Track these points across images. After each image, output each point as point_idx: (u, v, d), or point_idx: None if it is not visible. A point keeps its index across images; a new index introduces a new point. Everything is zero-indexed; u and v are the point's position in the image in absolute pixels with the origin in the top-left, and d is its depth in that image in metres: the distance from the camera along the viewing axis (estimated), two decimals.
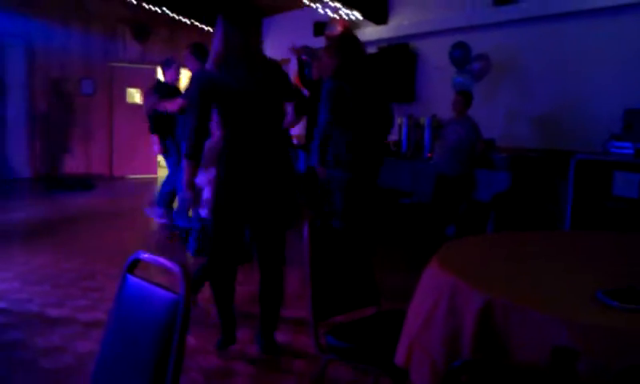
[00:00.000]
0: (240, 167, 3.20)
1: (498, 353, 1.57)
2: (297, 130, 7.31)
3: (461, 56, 7.20)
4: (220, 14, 3.19)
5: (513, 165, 6.16)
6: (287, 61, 11.17)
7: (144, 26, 12.29)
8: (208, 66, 3.23)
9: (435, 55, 8.25)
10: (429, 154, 7.36)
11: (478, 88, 7.16)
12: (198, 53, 6.35)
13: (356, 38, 4.63)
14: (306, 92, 6.92)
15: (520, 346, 1.54)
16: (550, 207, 5.88)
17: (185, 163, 3.29)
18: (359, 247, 2.67)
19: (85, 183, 10.74)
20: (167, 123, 6.81)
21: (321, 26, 10.07)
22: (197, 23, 11.79)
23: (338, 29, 9.59)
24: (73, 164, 11.87)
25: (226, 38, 3.12)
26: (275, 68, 3.31)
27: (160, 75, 7.60)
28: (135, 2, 11.19)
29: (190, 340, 3.57)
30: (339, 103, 4.31)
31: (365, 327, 2.47)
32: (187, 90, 6.30)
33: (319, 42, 9.93)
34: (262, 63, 3.25)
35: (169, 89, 7.06)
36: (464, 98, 6.34)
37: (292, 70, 10.83)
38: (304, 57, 9.45)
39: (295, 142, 7.82)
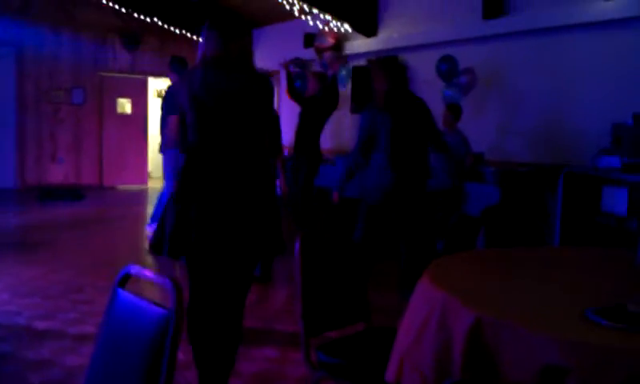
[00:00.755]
0: (198, 189, 2.82)
1: (488, 370, 1.58)
2: (285, 141, 7.31)
3: (447, 70, 7.24)
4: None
5: (502, 179, 6.20)
6: (277, 72, 11.20)
7: (134, 35, 12.28)
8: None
9: (424, 68, 8.30)
10: None
11: (467, 101, 7.20)
12: (175, 65, 6.38)
13: (400, 64, 4.77)
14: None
15: (510, 363, 1.56)
16: (540, 222, 5.90)
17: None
18: (352, 262, 2.67)
19: (74, 193, 10.69)
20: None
21: (311, 37, 10.10)
22: (187, 33, 11.80)
23: (329, 41, 9.64)
24: (62, 174, 11.81)
25: (204, 45, 2.90)
26: (263, 82, 2.95)
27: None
28: (125, 11, 11.19)
29: (179, 355, 3.55)
30: (375, 132, 4.47)
31: (355, 343, 2.47)
32: (162, 103, 6.31)
33: (309, 54, 9.99)
34: (245, 74, 2.91)
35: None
36: (452, 111, 6.39)
37: (283, 84, 10.87)
38: (292, 69, 9.49)
39: (285, 153, 7.79)
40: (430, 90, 7.88)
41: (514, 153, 7.08)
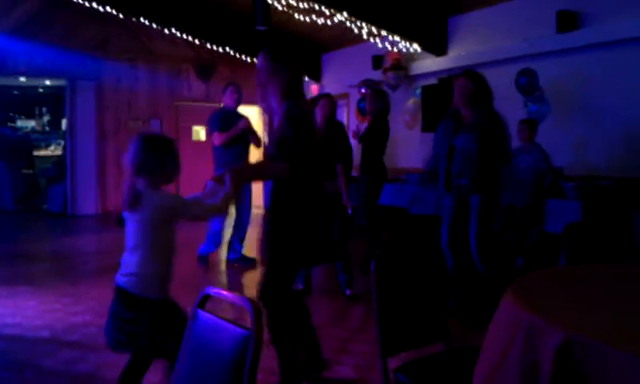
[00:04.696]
0: None
1: None
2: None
3: (527, 83, 7.07)
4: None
5: (584, 194, 5.95)
6: (345, 96, 11.25)
7: (207, 66, 12.64)
8: None
9: (498, 85, 8.14)
10: None
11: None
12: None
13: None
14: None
15: None
16: (626, 238, 5.61)
17: None
18: (430, 281, 2.60)
19: None
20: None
21: (379, 59, 10.12)
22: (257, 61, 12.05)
23: (389, 61, 9.63)
24: None
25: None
26: None
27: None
28: (198, 43, 11.55)
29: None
30: None
31: (436, 364, 2.40)
32: None
33: (377, 75, 10.00)
34: None
35: (227, 114, 7.00)
36: (529, 126, 6.20)
37: (352, 106, 10.93)
38: (362, 90, 9.52)
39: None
40: (506, 105, 7.74)
41: (594, 167, 6.81)
